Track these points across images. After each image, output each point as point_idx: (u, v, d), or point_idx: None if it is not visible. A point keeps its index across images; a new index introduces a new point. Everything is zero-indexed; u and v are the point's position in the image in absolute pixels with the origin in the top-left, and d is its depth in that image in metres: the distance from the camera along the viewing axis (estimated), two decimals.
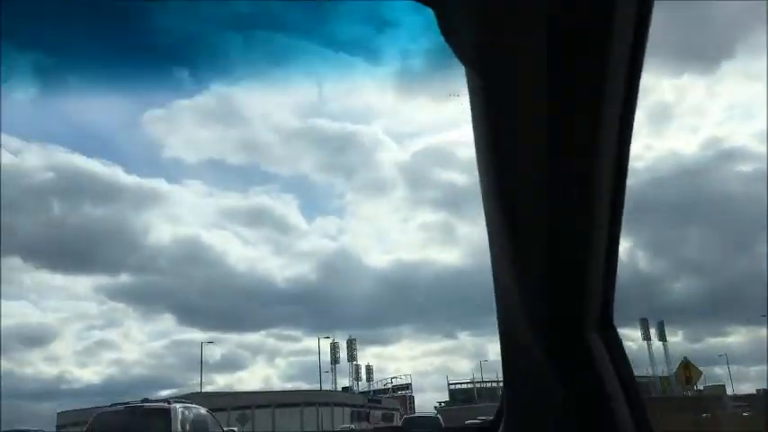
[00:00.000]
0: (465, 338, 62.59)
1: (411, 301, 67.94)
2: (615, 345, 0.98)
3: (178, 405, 8.06)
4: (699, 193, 69.59)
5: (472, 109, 0.72)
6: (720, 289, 70.12)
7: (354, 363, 54.67)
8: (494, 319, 1.10)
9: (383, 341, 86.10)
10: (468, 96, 0.71)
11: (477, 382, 55.24)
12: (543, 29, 0.61)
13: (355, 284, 66.92)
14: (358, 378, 53.89)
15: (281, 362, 70.94)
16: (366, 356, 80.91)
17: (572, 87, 0.65)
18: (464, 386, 55.07)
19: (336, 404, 41.25)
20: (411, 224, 77.57)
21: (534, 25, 0.61)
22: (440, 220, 78.14)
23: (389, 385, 54.23)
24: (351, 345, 54.83)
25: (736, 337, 78.11)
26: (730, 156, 77.03)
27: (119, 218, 58.88)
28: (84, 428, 7.92)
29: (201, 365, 41.09)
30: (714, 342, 70.91)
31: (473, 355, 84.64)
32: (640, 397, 0.97)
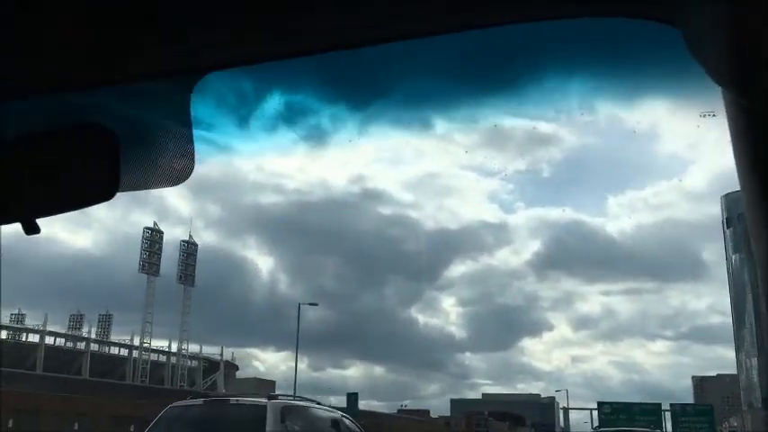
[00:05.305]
0: None
1: None
2: None
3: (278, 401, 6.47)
4: (342, 226, 71.57)
5: (731, 130, 0.66)
6: (345, 322, 72.13)
7: None
8: None
9: None
10: (725, 117, 0.66)
11: None
12: None
13: None
14: None
15: None
16: None
17: None
18: None
19: None
20: None
21: None
22: None
23: None
24: None
25: (353, 371, 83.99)
26: (375, 196, 79.44)
27: None
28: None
29: None
30: (334, 373, 74.86)
31: None
32: None
